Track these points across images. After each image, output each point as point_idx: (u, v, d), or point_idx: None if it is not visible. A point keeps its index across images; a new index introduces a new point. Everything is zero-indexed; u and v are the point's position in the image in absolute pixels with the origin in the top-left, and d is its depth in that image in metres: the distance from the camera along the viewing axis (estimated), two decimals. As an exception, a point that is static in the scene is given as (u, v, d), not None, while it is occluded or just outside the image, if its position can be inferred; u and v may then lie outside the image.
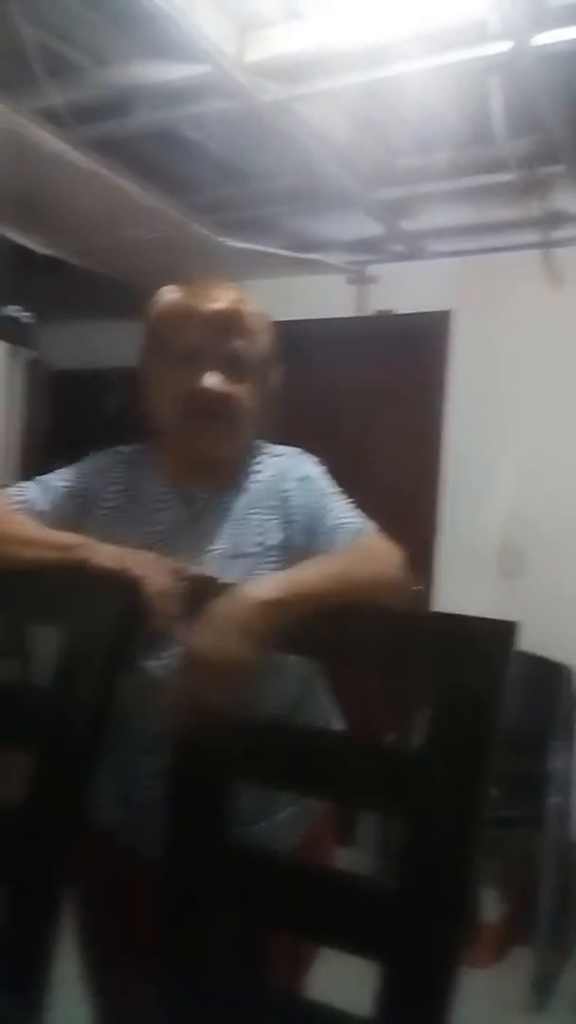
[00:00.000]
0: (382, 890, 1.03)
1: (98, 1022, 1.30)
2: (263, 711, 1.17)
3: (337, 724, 1.39)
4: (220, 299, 1.32)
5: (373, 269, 3.68)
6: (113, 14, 2.15)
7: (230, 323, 1.31)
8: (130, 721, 1.18)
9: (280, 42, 2.19)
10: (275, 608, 1.07)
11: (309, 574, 1.14)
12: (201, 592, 1.12)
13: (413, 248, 3.51)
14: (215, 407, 1.30)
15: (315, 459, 1.40)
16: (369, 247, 3.57)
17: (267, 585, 1.10)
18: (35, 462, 3.19)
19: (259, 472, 1.36)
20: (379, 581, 1.19)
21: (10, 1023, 0.94)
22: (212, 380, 1.29)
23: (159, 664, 1.21)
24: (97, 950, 1.33)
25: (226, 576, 1.22)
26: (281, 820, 1.28)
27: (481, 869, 0.95)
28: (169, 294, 1.36)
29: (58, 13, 2.16)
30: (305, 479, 1.34)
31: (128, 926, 1.21)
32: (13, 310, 3.20)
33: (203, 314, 1.31)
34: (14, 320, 3.20)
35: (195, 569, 1.20)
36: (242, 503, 1.32)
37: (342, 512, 1.30)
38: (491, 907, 2.89)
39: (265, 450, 1.41)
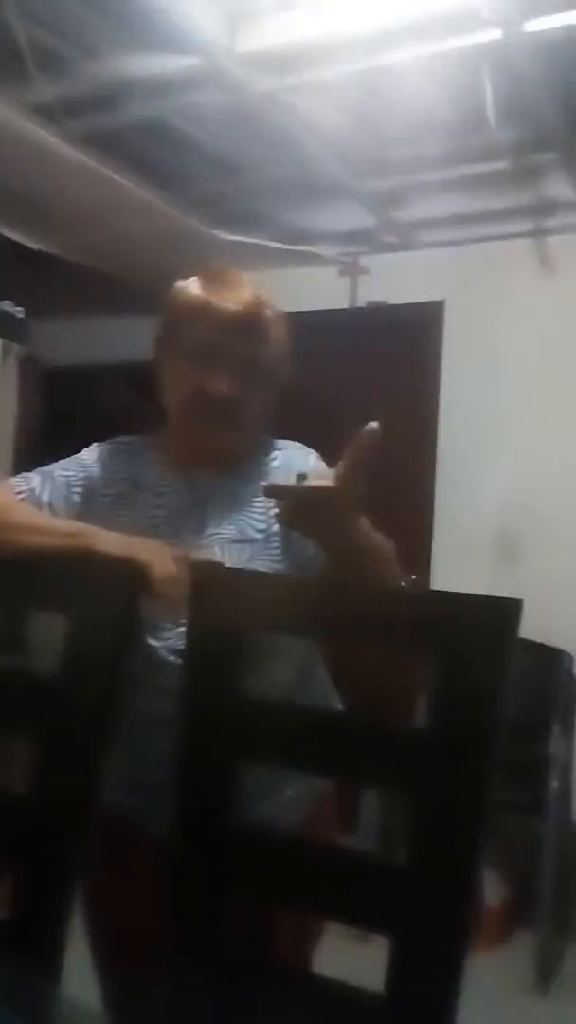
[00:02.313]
0: (390, 866, 1.04)
1: (107, 999, 1.31)
2: (264, 694, 1.17)
3: (337, 706, 1.40)
4: (241, 299, 1.28)
5: (366, 260, 3.68)
6: (103, 6, 2.15)
7: (249, 326, 1.28)
8: (137, 703, 1.19)
9: (272, 32, 2.20)
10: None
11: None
12: (205, 577, 1.13)
13: (406, 238, 3.52)
14: (222, 409, 1.28)
15: (316, 454, 1.40)
16: (362, 238, 3.57)
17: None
18: (28, 458, 3.19)
19: (263, 462, 1.37)
20: (391, 561, 1.21)
21: (28, 990, 0.98)
22: (223, 384, 1.27)
23: (162, 645, 1.22)
24: (106, 929, 1.34)
25: (228, 561, 1.24)
26: (286, 799, 1.29)
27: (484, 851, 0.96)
28: (190, 287, 1.32)
29: (48, 6, 2.16)
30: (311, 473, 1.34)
31: (137, 905, 1.22)
32: (6, 305, 3.20)
33: (222, 313, 1.27)
34: (7, 315, 3.20)
35: (199, 555, 1.21)
36: (246, 490, 1.32)
37: None
38: (492, 891, 2.91)
39: (268, 442, 1.41)
